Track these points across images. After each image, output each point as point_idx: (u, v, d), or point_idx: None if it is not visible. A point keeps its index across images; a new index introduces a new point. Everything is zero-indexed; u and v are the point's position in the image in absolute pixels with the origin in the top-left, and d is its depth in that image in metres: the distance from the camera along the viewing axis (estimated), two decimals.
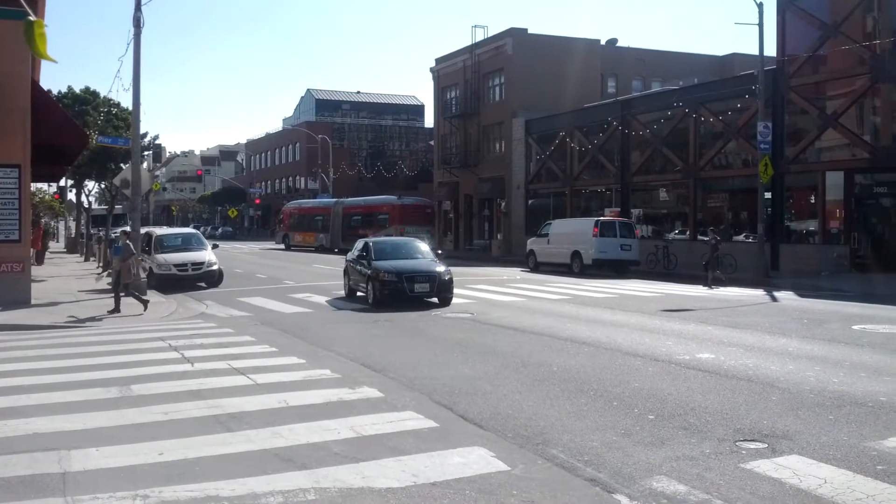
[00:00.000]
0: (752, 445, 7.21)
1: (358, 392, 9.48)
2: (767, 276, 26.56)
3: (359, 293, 21.11)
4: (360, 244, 21.92)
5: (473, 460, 6.84)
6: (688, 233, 35.83)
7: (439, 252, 22.45)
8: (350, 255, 22.21)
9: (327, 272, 32.09)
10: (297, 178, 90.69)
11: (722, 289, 24.28)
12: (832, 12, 29.64)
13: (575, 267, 31.65)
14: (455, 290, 20.09)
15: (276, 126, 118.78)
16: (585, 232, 31.48)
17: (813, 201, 30.79)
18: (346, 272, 22.21)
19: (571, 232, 32.82)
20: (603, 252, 30.56)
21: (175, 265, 25.16)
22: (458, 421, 8.25)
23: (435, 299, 19.34)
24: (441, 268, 19.59)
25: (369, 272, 19.56)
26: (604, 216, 40.21)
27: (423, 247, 21.78)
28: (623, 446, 7.25)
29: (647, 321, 16.26)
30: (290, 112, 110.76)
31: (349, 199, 57.99)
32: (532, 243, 35.65)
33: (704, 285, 24.89)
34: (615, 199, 40.88)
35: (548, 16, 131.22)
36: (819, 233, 29.88)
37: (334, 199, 59.37)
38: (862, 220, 29.22)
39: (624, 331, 14.74)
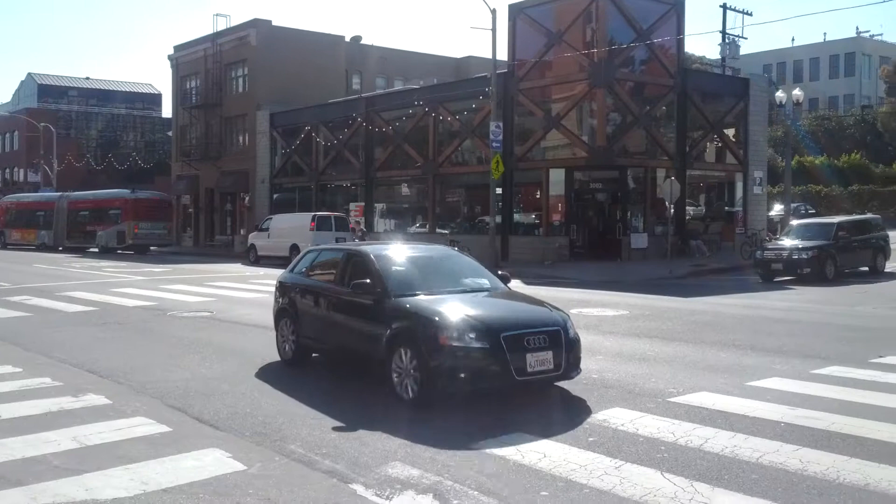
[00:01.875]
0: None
1: (82, 400, 8.85)
2: (498, 267, 28.14)
3: (329, 357, 11.00)
4: (332, 254, 11.54)
5: (208, 463, 6.66)
6: (427, 226, 37.16)
7: (502, 273, 11.00)
8: (296, 275, 11.46)
9: (50, 273, 29.56)
10: (16, 170, 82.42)
11: None
12: (557, 21, 32.02)
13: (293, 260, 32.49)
14: (194, 288, 19.21)
15: None
16: (303, 226, 33.03)
17: (538, 196, 33.15)
18: (282, 311, 11.22)
19: (290, 226, 34.26)
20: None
21: None
22: (193, 423, 7.99)
23: (559, 380, 8.97)
24: (556, 312, 9.11)
25: (396, 326, 8.84)
26: (350, 211, 40.79)
27: (471, 262, 10.98)
28: (360, 436, 7.41)
29: None
30: (7, 97, 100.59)
31: (76, 192, 53.58)
32: (253, 237, 36.87)
33: None
34: (360, 194, 41.43)
35: (294, 9, 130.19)
36: (543, 225, 32.28)
37: (59, 193, 54.61)
38: (580, 214, 31.99)
39: None
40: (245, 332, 14.25)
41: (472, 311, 8.63)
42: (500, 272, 11.08)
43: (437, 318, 8.44)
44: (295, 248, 32.79)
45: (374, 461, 6.69)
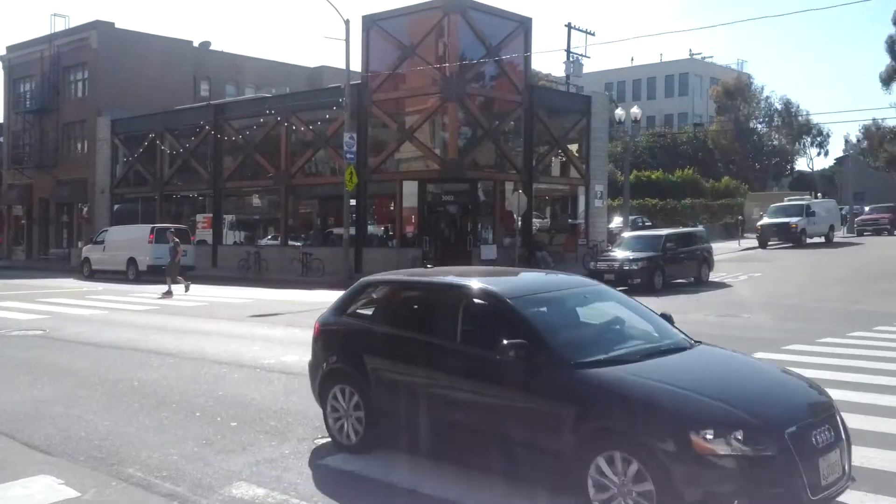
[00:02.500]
0: (329, 441, 7.63)
1: None
2: (352, 279, 28.08)
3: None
4: (408, 288, 8.07)
5: (38, 490, 6.32)
6: (279, 238, 36.57)
7: (664, 313, 7.53)
8: (354, 318, 8.04)
9: None
10: None
11: (185, 295, 24.01)
12: (411, 35, 32.36)
13: (130, 274, 32.30)
14: (25, 305, 18.08)
15: None
16: (141, 239, 32.33)
17: (392, 208, 33.35)
18: (336, 374, 7.70)
19: (127, 239, 33.40)
20: (158, 258, 30.91)
21: None
22: (22, 449, 7.54)
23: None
24: (802, 380, 6.62)
25: (596, 417, 5.79)
26: (198, 222, 39.59)
27: (620, 297, 7.73)
28: (204, 456, 7.22)
29: (236, 328, 16.31)
30: None
31: None
32: (87, 251, 35.75)
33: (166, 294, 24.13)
34: (208, 205, 40.24)
35: (140, 13, 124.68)
36: (397, 237, 32.50)
37: None
38: (433, 225, 32.43)
39: (212, 339, 14.60)
40: (81, 351, 13.54)
41: (716, 390, 5.68)
42: (660, 312, 7.48)
43: (671, 407, 5.46)
44: (132, 262, 32.23)
45: (218, 482, 6.54)
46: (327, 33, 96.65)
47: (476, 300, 6.93)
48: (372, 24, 33.08)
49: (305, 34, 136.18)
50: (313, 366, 8.03)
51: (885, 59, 68.93)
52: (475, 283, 7.12)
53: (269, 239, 37.60)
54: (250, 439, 7.79)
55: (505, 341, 6.05)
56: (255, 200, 39.80)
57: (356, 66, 32.49)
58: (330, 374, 7.66)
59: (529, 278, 8.19)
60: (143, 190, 43.38)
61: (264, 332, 15.55)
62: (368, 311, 7.92)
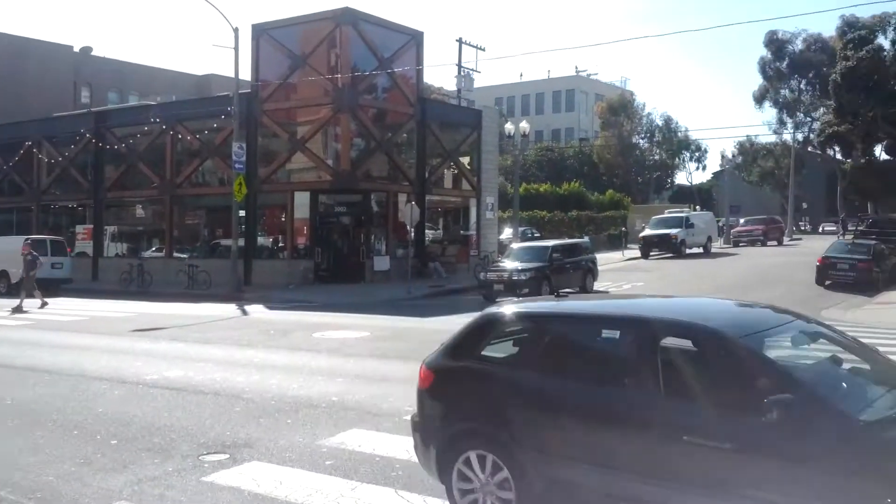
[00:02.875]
0: (215, 458, 7.44)
1: None
2: (240, 291, 27.58)
3: None
4: (566, 323, 6.24)
5: None
6: (164, 250, 35.42)
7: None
8: (486, 363, 6.25)
9: None
10: None
11: (47, 310, 23.22)
12: (302, 45, 32.03)
13: (2, 287, 30.78)
14: None
15: None
16: (15, 251, 30.13)
17: (283, 219, 32.85)
18: (470, 436, 5.91)
19: (0, 251, 31.41)
20: None
21: None
22: None
23: None
24: None
25: None
26: (77, 233, 37.97)
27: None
28: (82, 476, 6.91)
29: (117, 342, 15.70)
30: None
31: None
32: None
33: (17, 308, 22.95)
34: (88, 216, 38.59)
35: (16, 15, 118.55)
36: (288, 248, 32.01)
37: None
38: (325, 237, 32.13)
39: (91, 354, 14.00)
40: None
41: None
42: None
43: None
44: (5, 275, 30.61)
45: (97, 502, 6.27)
46: (216, 41, 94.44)
47: (681, 339, 5.40)
48: (262, 32, 32.59)
49: (193, 42, 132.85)
50: (424, 424, 6.20)
51: (758, 80, 73.06)
52: (676, 317, 5.68)
53: (153, 251, 36.35)
54: (132, 457, 7.51)
55: (768, 398, 4.56)
56: (139, 211, 38.41)
57: (246, 75, 31.94)
58: (459, 435, 5.87)
59: (727, 309, 6.47)
60: (18, 200, 41.21)
61: (147, 346, 15.03)
62: (501, 353, 6.32)
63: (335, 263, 31.64)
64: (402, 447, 7.55)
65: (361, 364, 12.54)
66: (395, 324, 18.28)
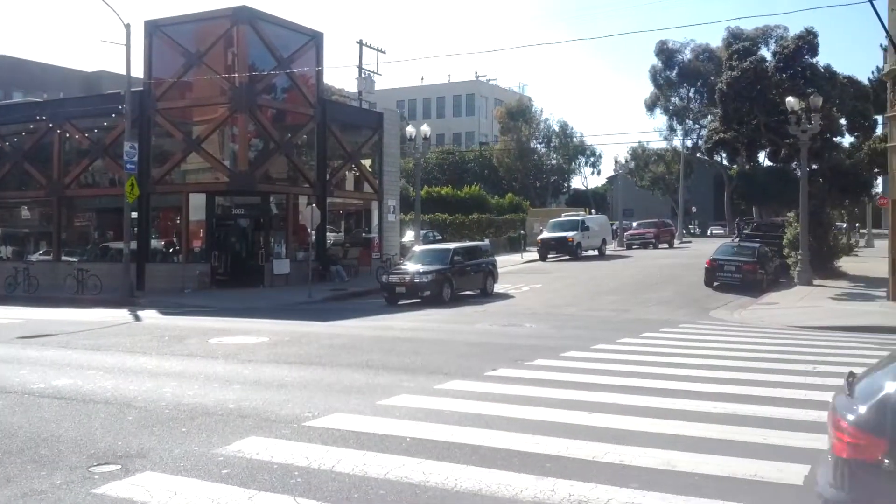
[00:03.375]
0: (106, 469, 7.18)
1: None
2: (133, 296, 26.70)
3: None
4: None
5: None
6: (52, 254, 33.91)
7: None
8: None
9: None
10: None
11: (85, 310, 23.28)
12: (197, 42, 31.24)
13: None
14: None
15: None
16: None
17: (178, 221, 31.96)
18: None
19: None
20: None
21: None
22: None
23: None
24: None
25: None
26: None
27: None
28: None
29: (2, 350, 14.93)
30: None
31: None
32: None
33: None
34: None
35: None
36: (184, 252, 31.16)
37: None
38: (222, 240, 31.42)
39: None
40: None
41: None
42: None
43: None
44: None
45: None
46: (107, 37, 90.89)
47: None
48: (155, 29, 31.68)
49: (82, 37, 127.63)
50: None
51: (649, 87, 75.70)
52: None
53: (40, 254, 34.76)
54: (16, 470, 7.16)
55: None
56: (25, 213, 36.69)
57: (139, 72, 30.93)
58: None
59: None
60: None
61: (34, 354, 14.35)
62: None
63: (233, 267, 30.99)
64: (301, 454, 7.47)
65: (259, 370, 12.33)
66: (294, 328, 18.06)
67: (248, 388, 10.81)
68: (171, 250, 32.32)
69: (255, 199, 31.56)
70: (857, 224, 69.35)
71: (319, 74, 34.32)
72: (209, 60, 30.66)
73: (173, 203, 31.98)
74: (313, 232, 29.46)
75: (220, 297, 26.87)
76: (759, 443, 7.71)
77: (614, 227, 56.01)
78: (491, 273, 27.95)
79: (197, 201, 31.11)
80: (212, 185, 31.05)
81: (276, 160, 31.99)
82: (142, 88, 31.29)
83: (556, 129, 79.74)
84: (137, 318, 21.42)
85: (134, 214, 30.13)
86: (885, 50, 23.36)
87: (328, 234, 34.87)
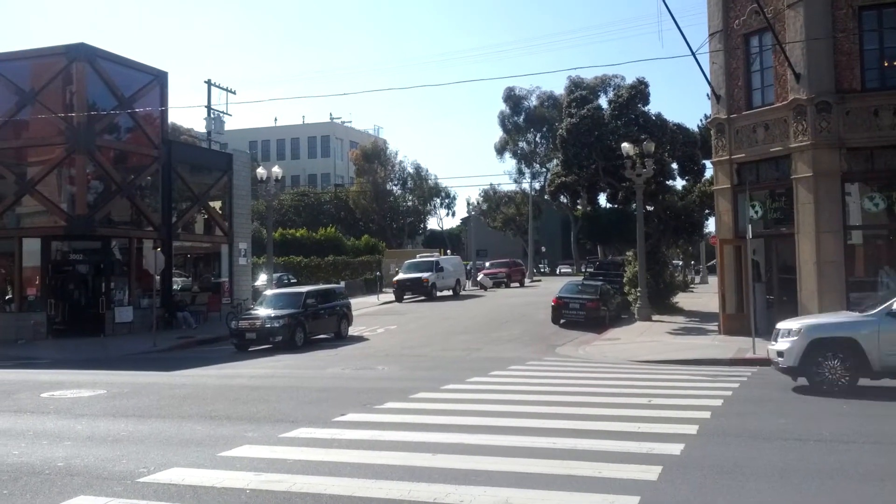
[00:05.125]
0: None
1: None
2: None
3: None
4: None
5: None
6: None
7: None
8: None
9: None
10: None
11: None
12: (33, 80, 29.80)
13: None
14: None
15: None
16: None
17: (11, 268, 30.04)
18: None
19: None
20: None
21: None
22: None
23: None
24: None
25: None
26: None
27: None
28: None
29: None
30: None
31: None
32: None
33: None
34: None
35: None
36: (16, 300, 29.27)
37: None
38: (60, 287, 29.72)
39: None
40: None
41: None
42: None
43: None
44: None
45: None
46: None
47: None
48: None
49: None
50: None
51: (499, 132, 78.17)
52: None
53: None
54: None
55: None
56: None
57: None
58: None
59: None
60: None
61: None
62: None
63: (72, 316, 29.34)
64: None
65: (94, 424, 11.71)
66: (135, 379, 17.27)
67: (81, 445, 10.24)
68: (2, 299, 30.26)
69: (95, 244, 30.13)
70: (693, 262, 73.84)
71: (164, 114, 33.39)
72: (45, 99, 29.31)
73: (6, 248, 30.05)
74: (158, 277, 28.35)
75: (57, 347, 25.38)
76: (594, 476, 8.02)
77: (468, 268, 57.09)
78: (345, 316, 27.80)
79: (32, 246, 29.40)
80: (48, 228, 29.44)
81: (117, 203, 30.69)
82: None
83: (411, 171, 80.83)
84: None
85: None
86: (710, 99, 25.20)
87: (176, 278, 33.69)
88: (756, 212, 22.51)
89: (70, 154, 28.91)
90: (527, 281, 57.98)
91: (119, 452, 9.71)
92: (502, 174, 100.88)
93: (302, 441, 10.11)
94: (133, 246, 31.01)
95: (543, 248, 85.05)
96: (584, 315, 28.52)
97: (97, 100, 29.50)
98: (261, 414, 12.24)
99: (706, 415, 11.41)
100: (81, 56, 28.90)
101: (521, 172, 78.35)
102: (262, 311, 25.32)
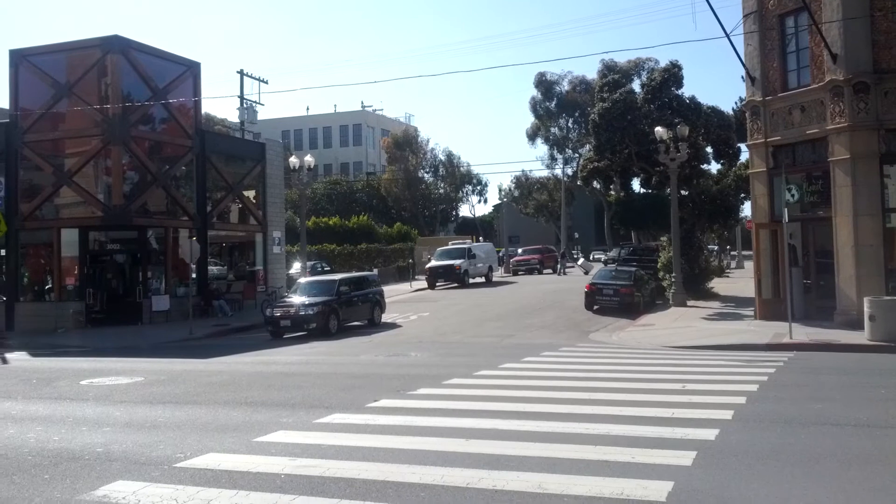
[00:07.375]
0: None
1: None
2: (1, 338, 25.34)
3: None
4: None
5: None
6: None
7: None
8: None
9: None
10: None
11: None
12: (68, 73, 30.21)
13: None
14: None
15: None
16: None
17: (50, 258, 30.60)
18: None
19: None
20: None
21: None
22: None
23: None
24: None
25: None
26: None
27: None
28: None
29: None
30: None
31: None
32: None
33: None
34: None
35: None
36: (56, 290, 29.81)
37: None
38: (97, 276, 30.21)
39: None
40: None
41: None
42: None
43: None
44: None
45: None
46: None
47: None
48: (21, 59, 30.48)
49: None
50: None
51: (530, 118, 77.72)
52: None
53: None
54: None
55: None
56: None
57: (3, 103, 29.65)
58: None
59: None
60: None
61: None
62: None
63: (109, 305, 29.84)
64: (170, 496, 7.26)
65: (131, 411, 11.91)
66: (172, 367, 17.52)
67: (119, 431, 10.42)
68: (42, 289, 30.84)
69: (131, 234, 30.56)
70: (728, 246, 72.97)
71: (197, 105, 33.67)
72: (80, 91, 29.68)
73: (44, 239, 30.60)
74: (194, 266, 28.68)
75: (95, 336, 25.80)
76: (627, 462, 7.98)
77: (500, 254, 56.97)
78: (378, 303, 27.92)
79: (70, 237, 29.89)
80: (86, 219, 29.90)
81: (153, 193, 31.09)
82: (7, 120, 29.95)
83: (443, 158, 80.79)
84: (5, 361, 20.31)
85: (2, 252, 28.67)
86: (744, 81, 24.83)
87: (211, 267, 34.06)
88: (792, 195, 22.15)
89: (106, 145, 29.30)
90: (559, 267, 57.72)
91: (156, 438, 9.87)
92: (534, 160, 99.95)
93: (336, 427, 10.18)
94: (169, 235, 31.42)
95: (576, 234, 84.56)
96: (617, 301, 28.35)
97: (132, 91, 29.86)
98: (295, 400, 12.35)
99: (741, 400, 11.29)
100: (115, 48, 29.23)
101: (553, 158, 77.90)
102: (297, 299, 25.52)
